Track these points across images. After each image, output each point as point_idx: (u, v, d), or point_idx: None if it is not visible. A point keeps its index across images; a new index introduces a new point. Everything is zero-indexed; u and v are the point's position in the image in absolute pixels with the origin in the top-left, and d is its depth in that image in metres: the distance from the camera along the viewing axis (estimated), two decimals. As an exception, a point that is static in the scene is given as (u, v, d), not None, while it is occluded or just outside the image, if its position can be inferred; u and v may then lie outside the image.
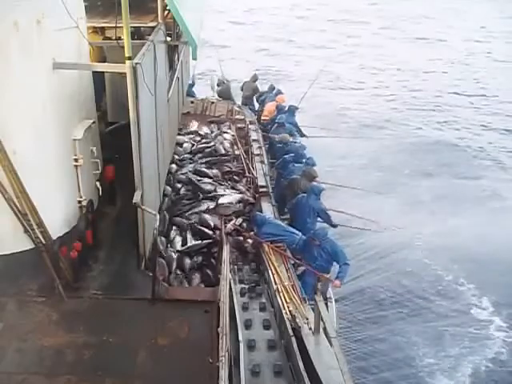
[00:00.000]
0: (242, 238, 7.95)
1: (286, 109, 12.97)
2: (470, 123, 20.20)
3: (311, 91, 14.87)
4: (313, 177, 9.40)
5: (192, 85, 15.08)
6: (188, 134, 11.67)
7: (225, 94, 14.75)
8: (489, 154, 17.41)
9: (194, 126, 12.11)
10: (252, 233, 7.89)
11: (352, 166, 14.87)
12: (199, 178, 9.40)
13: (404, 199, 13.17)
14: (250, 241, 7.87)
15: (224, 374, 4.38)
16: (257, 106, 14.79)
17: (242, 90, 15.07)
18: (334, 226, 8.70)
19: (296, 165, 10.05)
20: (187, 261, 7.33)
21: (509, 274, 10.50)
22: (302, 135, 12.72)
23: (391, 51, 29.71)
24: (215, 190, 9.03)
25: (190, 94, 14.68)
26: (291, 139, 11.19)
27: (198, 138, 11.44)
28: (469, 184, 14.84)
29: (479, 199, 13.62)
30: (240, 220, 8.35)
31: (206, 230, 7.89)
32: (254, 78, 15.16)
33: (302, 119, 13.70)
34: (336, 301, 8.02)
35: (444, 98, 22.77)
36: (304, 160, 10.36)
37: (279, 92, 14.34)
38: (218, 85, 15.24)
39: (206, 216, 8.24)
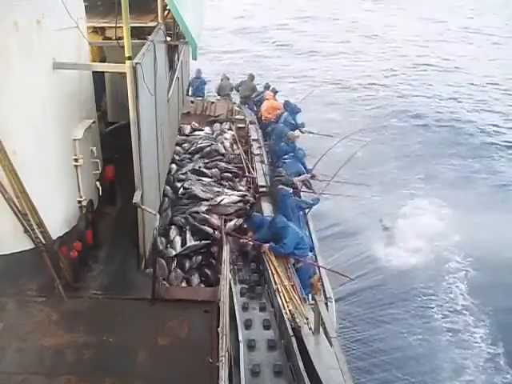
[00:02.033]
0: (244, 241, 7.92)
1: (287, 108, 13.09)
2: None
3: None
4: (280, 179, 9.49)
5: (204, 83, 15.18)
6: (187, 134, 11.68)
7: (223, 91, 14.82)
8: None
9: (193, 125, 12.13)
10: (251, 234, 7.88)
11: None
12: (198, 178, 9.40)
13: (403, 197, 13.19)
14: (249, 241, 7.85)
15: (224, 374, 4.37)
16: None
17: (237, 90, 15.10)
18: (315, 202, 8.88)
19: (287, 161, 10.15)
20: (187, 261, 7.32)
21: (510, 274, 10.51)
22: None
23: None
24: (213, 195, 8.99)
25: (200, 92, 14.75)
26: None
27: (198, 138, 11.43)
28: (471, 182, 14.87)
29: (481, 198, 13.62)
30: (240, 220, 8.34)
31: (207, 229, 7.88)
32: (252, 77, 15.20)
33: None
34: (336, 301, 8.02)
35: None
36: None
37: (274, 90, 14.43)
38: (221, 80, 15.33)
39: (206, 216, 8.23)
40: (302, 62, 25.69)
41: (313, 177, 10.50)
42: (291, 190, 8.96)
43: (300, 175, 9.99)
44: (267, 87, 14.62)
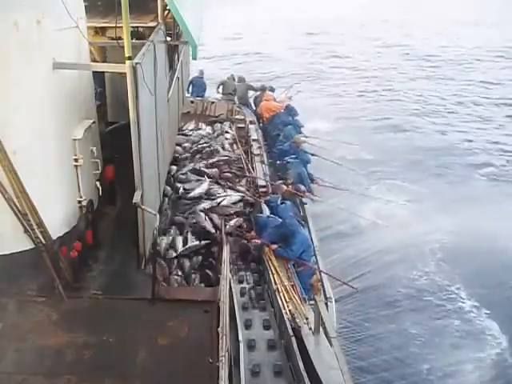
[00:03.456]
0: (246, 241, 7.87)
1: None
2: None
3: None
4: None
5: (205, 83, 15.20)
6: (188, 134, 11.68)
7: (226, 89, 14.83)
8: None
9: (193, 125, 12.14)
10: (254, 235, 7.83)
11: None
12: (198, 178, 9.41)
13: (401, 198, 13.21)
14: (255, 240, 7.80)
15: (224, 374, 4.38)
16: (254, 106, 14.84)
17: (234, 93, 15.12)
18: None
19: (292, 161, 10.18)
20: (187, 261, 7.32)
21: (505, 273, 10.54)
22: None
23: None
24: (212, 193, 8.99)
25: (201, 92, 14.77)
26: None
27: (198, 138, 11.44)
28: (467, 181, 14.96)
29: (477, 196, 13.66)
30: (240, 220, 8.33)
31: (207, 229, 7.88)
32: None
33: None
34: (336, 301, 8.02)
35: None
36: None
37: (271, 89, 14.46)
38: (227, 78, 15.36)
39: (206, 216, 8.23)
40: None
41: (312, 182, 10.56)
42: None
43: (302, 178, 10.03)
44: (263, 89, 14.61)
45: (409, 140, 18.08)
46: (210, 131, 11.94)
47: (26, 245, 5.63)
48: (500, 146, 17.78)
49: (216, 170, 9.82)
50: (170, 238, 7.70)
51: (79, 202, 6.20)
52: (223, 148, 10.96)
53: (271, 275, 6.78)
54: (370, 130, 18.33)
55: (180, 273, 7.12)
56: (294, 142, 11.02)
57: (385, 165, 15.51)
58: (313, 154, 11.62)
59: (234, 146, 11.27)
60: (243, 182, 9.69)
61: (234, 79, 15.29)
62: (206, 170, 9.71)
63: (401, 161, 16.01)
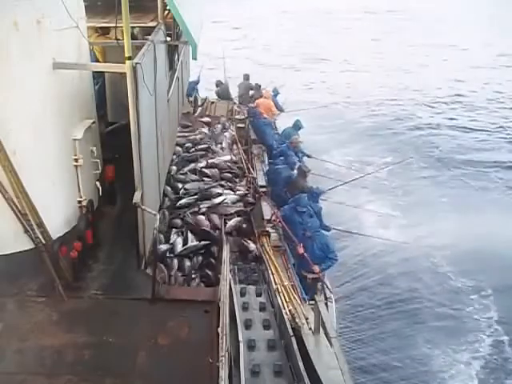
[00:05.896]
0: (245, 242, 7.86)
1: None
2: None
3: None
4: (305, 172, 9.55)
5: (197, 82, 15.17)
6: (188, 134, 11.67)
7: (224, 95, 14.86)
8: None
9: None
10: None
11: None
12: (198, 178, 9.41)
13: (402, 198, 13.22)
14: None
15: (224, 373, 4.38)
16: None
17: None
18: (327, 228, 8.72)
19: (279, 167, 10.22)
20: (187, 262, 7.32)
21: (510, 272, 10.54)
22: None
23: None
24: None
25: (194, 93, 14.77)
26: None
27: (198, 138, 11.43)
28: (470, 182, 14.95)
29: (481, 198, 13.66)
30: (241, 220, 8.33)
31: (207, 230, 7.88)
32: (247, 77, 15.31)
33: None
34: (336, 301, 8.03)
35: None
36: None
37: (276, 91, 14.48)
38: (216, 85, 15.40)
39: (205, 216, 8.23)
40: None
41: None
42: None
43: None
44: (257, 88, 14.60)
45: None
46: (216, 130, 11.94)
47: (26, 245, 5.62)
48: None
49: (216, 170, 9.82)
50: (171, 238, 7.70)
51: (79, 202, 6.20)
52: (223, 148, 10.96)
53: (271, 275, 6.78)
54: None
55: (180, 273, 7.13)
56: (290, 142, 11.03)
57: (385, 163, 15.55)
58: (309, 156, 11.62)
59: (234, 145, 11.27)
60: (243, 181, 9.70)
61: (222, 83, 15.45)
62: (205, 171, 9.72)
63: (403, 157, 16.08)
